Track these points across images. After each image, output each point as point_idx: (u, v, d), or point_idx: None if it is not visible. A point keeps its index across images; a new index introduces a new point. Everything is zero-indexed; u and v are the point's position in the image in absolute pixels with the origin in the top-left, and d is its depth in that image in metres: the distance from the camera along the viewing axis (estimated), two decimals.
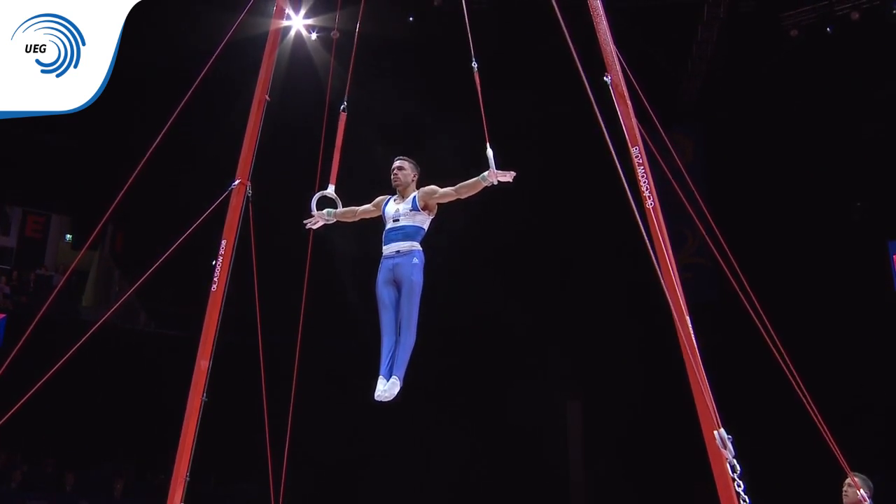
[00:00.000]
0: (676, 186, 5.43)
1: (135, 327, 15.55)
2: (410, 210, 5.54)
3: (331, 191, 6.17)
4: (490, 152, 5.13)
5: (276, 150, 8.18)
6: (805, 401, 5.03)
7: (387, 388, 5.30)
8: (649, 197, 4.93)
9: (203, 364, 6.00)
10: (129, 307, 15.04)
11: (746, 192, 15.07)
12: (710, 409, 4.47)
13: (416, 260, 5.46)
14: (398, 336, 5.40)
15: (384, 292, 5.48)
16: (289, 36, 12.21)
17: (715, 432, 4.42)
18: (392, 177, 5.68)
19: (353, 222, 6.08)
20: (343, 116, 6.52)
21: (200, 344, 6.05)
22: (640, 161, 5.00)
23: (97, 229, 6.88)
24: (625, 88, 5.17)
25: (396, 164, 5.73)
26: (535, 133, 15.38)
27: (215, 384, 6.03)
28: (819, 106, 14.53)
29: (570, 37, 5.32)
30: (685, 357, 4.63)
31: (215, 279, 6.15)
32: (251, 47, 7.53)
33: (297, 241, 6.95)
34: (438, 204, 5.58)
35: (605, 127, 4.97)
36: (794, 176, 14.73)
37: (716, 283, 14.12)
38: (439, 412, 14.95)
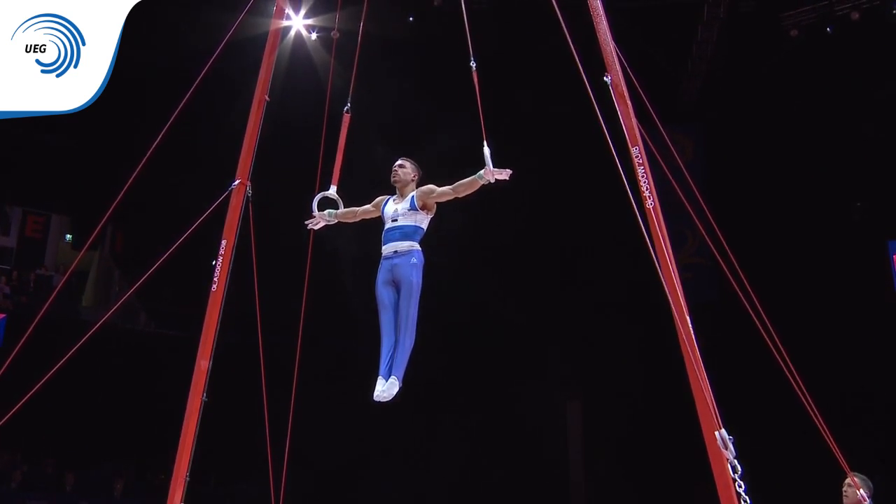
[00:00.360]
0: (676, 186, 5.43)
1: (135, 327, 15.56)
2: (409, 209, 5.53)
3: (332, 191, 6.16)
4: (486, 150, 5.12)
5: (276, 150, 8.18)
6: (805, 401, 5.03)
7: (385, 389, 5.30)
8: (649, 197, 4.93)
9: (203, 364, 6.00)
10: (129, 307, 15.04)
11: (746, 192, 15.07)
12: (711, 409, 4.47)
13: (414, 260, 5.45)
14: (397, 336, 5.38)
15: (383, 293, 5.48)
16: (289, 36, 12.21)
17: (716, 433, 4.42)
18: (392, 174, 5.67)
19: (354, 223, 6.08)
20: (346, 118, 6.52)
21: (200, 344, 6.05)
22: (641, 161, 5.00)
23: (97, 229, 6.88)
24: (625, 88, 5.17)
25: (398, 162, 5.73)
26: (535, 133, 15.37)
27: (215, 384, 6.03)
28: (819, 106, 14.53)
29: (570, 37, 5.32)
30: (685, 357, 4.63)
31: (215, 279, 6.15)
32: (251, 47, 7.54)
33: (298, 241, 6.95)
34: (437, 203, 5.57)
35: (606, 127, 4.97)
36: (794, 176, 14.73)
37: (716, 282, 14.12)
38: (439, 412, 14.96)
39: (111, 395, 13.79)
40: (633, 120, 5.08)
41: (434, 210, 5.60)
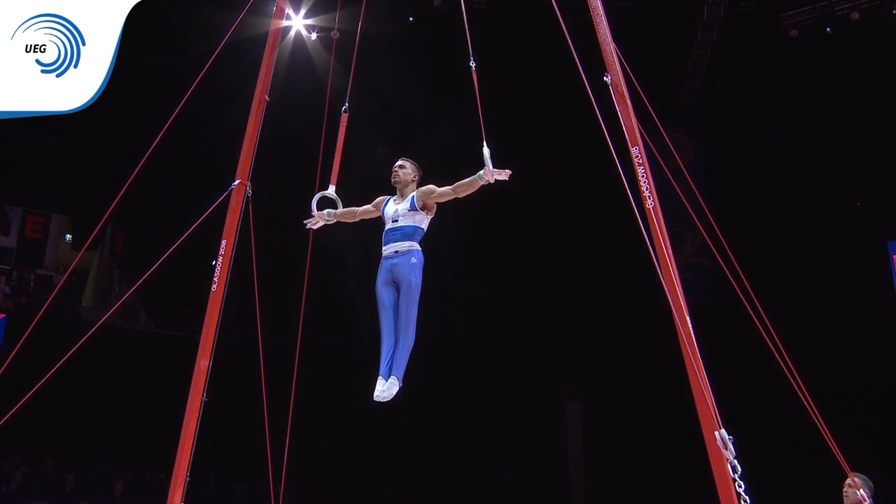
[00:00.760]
0: (676, 186, 5.42)
1: (135, 327, 15.55)
2: (409, 210, 5.53)
3: (331, 191, 6.16)
4: (486, 151, 5.11)
5: (276, 150, 8.19)
6: (805, 401, 5.02)
7: (385, 389, 5.29)
8: (649, 197, 4.92)
9: (203, 364, 5.99)
10: (129, 307, 15.05)
11: (746, 192, 15.07)
12: (711, 409, 4.47)
13: (414, 260, 5.45)
14: (397, 336, 5.38)
15: (383, 293, 5.48)
16: (289, 36, 12.22)
17: (716, 433, 4.41)
18: (392, 174, 5.67)
19: (354, 223, 6.07)
20: (345, 118, 6.51)
21: (200, 344, 6.05)
22: (640, 161, 4.99)
23: (97, 229, 6.88)
24: (625, 88, 5.16)
25: (398, 162, 5.73)
26: (534, 133, 15.38)
27: (215, 384, 6.03)
28: (819, 106, 14.53)
29: (569, 37, 5.31)
30: (685, 357, 4.63)
31: (215, 279, 6.15)
32: (251, 47, 7.54)
33: (297, 240, 6.95)
34: (437, 203, 5.57)
35: (605, 127, 4.97)
36: (793, 176, 14.73)
37: (716, 283, 14.13)
38: (439, 413, 14.95)
39: (111, 395, 13.78)
40: (633, 120, 5.07)
41: (434, 210, 5.59)
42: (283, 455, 6.82)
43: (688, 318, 4.67)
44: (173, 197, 13.37)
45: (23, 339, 5.80)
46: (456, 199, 5.44)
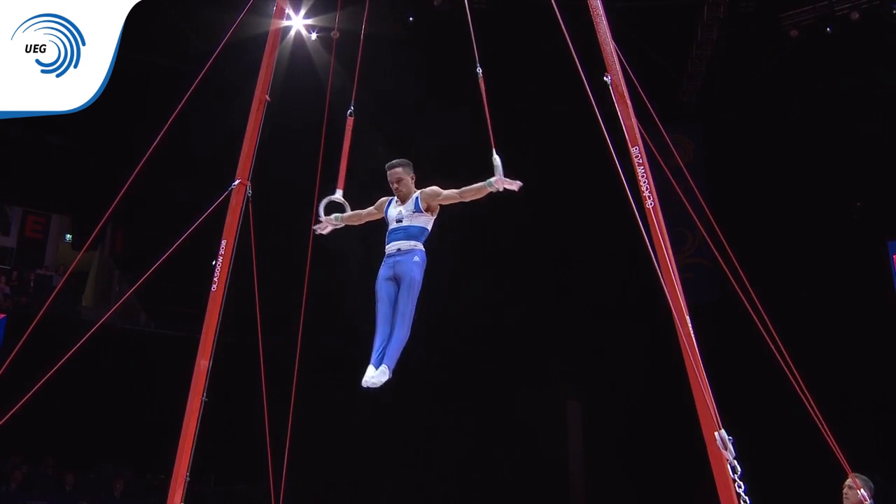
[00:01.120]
0: (676, 186, 5.42)
1: (135, 327, 15.55)
2: (413, 212, 5.51)
3: (338, 195, 6.13)
4: (497, 159, 5.08)
5: (277, 150, 8.19)
6: (806, 401, 5.02)
7: (375, 376, 5.30)
8: (649, 197, 4.92)
9: (203, 364, 5.99)
10: (129, 307, 15.04)
11: (746, 192, 15.07)
12: (711, 409, 4.47)
13: (416, 258, 5.44)
14: (392, 329, 5.39)
15: (383, 287, 5.47)
16: (289, 36, 12.22)
17: (715, 433, 4.41)
18: (393, 189, 5.61)
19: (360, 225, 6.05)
20: (350, 121, 6.51)
21: (200, 344, 6.05)
22: (640, 161, 4.99)
23: (97, 229, 6.88)
24: (625, 88, 5.16)
25: (393, 175, 5.60)
26: (535, 133, 15.38)
27: (215, 384, 6.03)
28: (819, 106, 14.53)
29: (569, 37, 5.31)
30: (685, 357, 4.63)
31: (215, 279, 6.15)
32: (251, 47, 7.53)
33: (297, 241, 6.94)
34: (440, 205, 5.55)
35: (605, 127, 4.96)
36: (794, 176, 14.74)
37: (716, 283, 14.13)
38: (439, 412, 14.95)
39: (111, 396, 13.79)
40: (633, 120, 5.07)
41: (437, 211, 5.57)
42: (283, 455, 6.82)
43: (688, 318, 4.67)
44: (173, 197, 13.37)
45: (23, 339, 5.80)
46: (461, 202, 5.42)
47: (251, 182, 6.45)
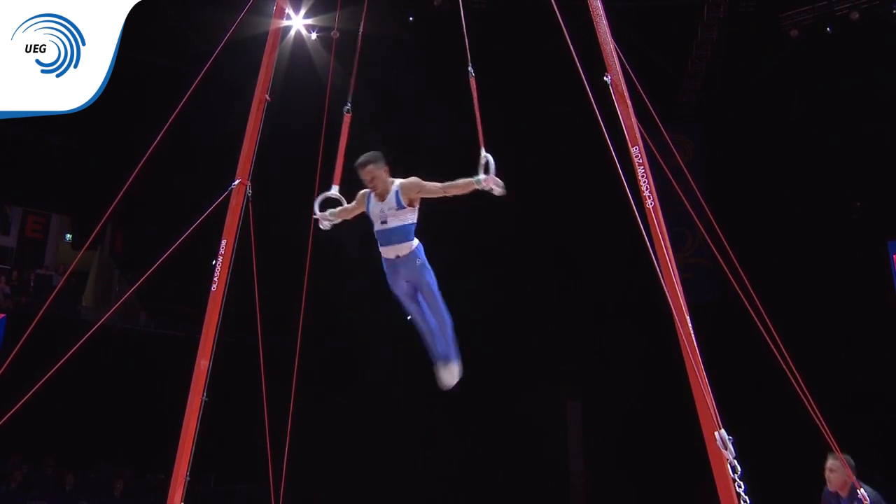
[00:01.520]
0: (676, 186, 5.42)
1: (135, 327, 15.55)
2: (396, 209, 5.37)
3: (334, 191, 6.09)
4: (489, 158, 5.04)
5: (276, 150, 8.18)
6: (805, 400, 5.03)
7: (450, 374, 5.49)
8: (649, 196, 4.92)
9: (203, 364, 5.98)
10: (129, 307, 15.05)
11: (746, 192, 15.08)
12: (711, 409, 4.47)
13: (419, 261, 5.39)
14: (431, 325, 5.46)
15: (399, 288, 5.46)
16: (289, 36, 12.22)
17: (715, 433, 4.41)
18: (369, 188, 5.47)
19: (354, 221, 6.03)
20: (347, 118, 6.48)
21: (200, 344, 6.04)
22: (640, 161, 4.99)
23: (97, 229, 6.87)
24: (625, 88, 5.16)
25: (365, 173, 5.43)
26: (535, 133, 15.38)
27: (215, 384, 6.03)
28: (819, 106, 14.54)
29: (569, 36, 5.31)
30: (685, 357, 4.62)
31: (215, 279, 6.14)
32: (251, 47, 7.53)
33: (297, 241, 6.94)
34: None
35: (606, 127, 4.96)
36: (794, 175, 14.74)
37: (715, 283, 14.14)
38: (439, 412, 14.95)
39: (111, 395, 13.79)
40: (633, 120, 5.07)
41: (417, 207, 5.43)
42: (283, 455, 6.82)
43: (688, 318, 4.67)
44: (173, 197, 13.36)
45: (23, 339, 5.80)
46: (454, 197, 5.37)
47: (251, 182, 6.44)
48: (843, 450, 5.67)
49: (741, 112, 15.72)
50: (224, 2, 10.57)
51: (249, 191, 6.41)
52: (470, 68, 5.45)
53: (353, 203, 5.73)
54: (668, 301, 4.71)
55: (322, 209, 5.97)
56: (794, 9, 13.97)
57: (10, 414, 5.70)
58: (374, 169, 5.41)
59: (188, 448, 5.82)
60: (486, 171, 5.03)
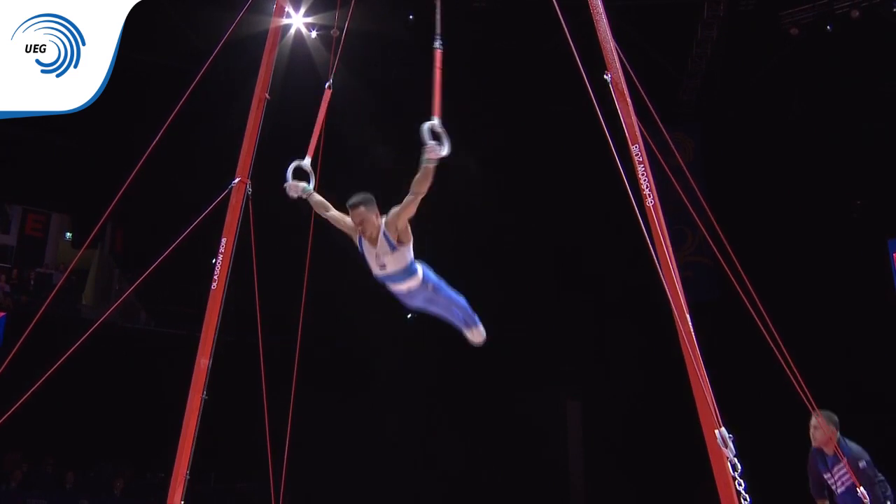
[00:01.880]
0: (677, 184, 5.42)
1: (135, 326, 15.57)
2: (391, 252, 5.26)
3: (307, 162, 5.99)
4: (424, 126, 4.98)
5: (276, 148, 8.18)
6: (806, 399, 5.03)
7: (478, 335, 5.98)
8: (649, 195, 4.92)
9: (203, 362, 5.98)
10: (129, 305, 15.06)
11: (746, 190, 15.07)
12: (711, 407, 4.47)
13: (430, 285, 5.45)
14: (455, 312, 5.76)
15: (418, 305, 5.59)
16: (289, 34, 12.22)
17: (716, 431, 4.42)
18: (360, 230, 5.33)
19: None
20: (328, 93, 6.49)
21: (200, 342, 6.04)
22: (640, 159, 4.99)
23: (97, 228, 6.87)
24: (625, 86, 5.16)
25: (355, 216, 5.29)
26: (535, 132, 15.37)
27: (215, 383, 6.03)
28: (819, 104, 14.53)
29: (569, 35, 5.31)
30: (685, 355, 4.63)
31: (215, 278, 6.14)
32: (251, 46, 7.53)
33: (298, 239, 6.94)
34: (410, 222, 5.26)
35: (606, 125, 4.96)
36: (794, 174, 14.73)
37: (716, 281, 14.13)
38: (439, 412, 14.96)
39: (111, 394, 13.80)
40: (634, 118, 5.07)
41: (410, 235, 5.29)
42: (283, 453, 6.82)
43: (688, 316, 4.67)
44: (173, 195, 13.36)
45: (23, 337, 5.79)
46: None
47: (251, 180, 6.44)
48: None
49: (741, 110, 15.72)
50: (224, 1, 10.56)
51: (249, 189, 6.41)
52: (437, 43, 5.48)
53: (341, 220, 5.55)
54: (668, 300, 4.70)
55: (294, 178, 5.89)
56: (794, 7, 13.96)
57: (10, 412, 5.71)
58: (364, 212, 5.26)
59: (188, 447, 5.82)
60: (437, 140, 4.97)
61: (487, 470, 15.37)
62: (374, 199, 5.34)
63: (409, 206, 5.12)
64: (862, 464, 5.78)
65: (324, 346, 13.50)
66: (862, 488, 5.59)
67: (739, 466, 4.36)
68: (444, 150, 4.92)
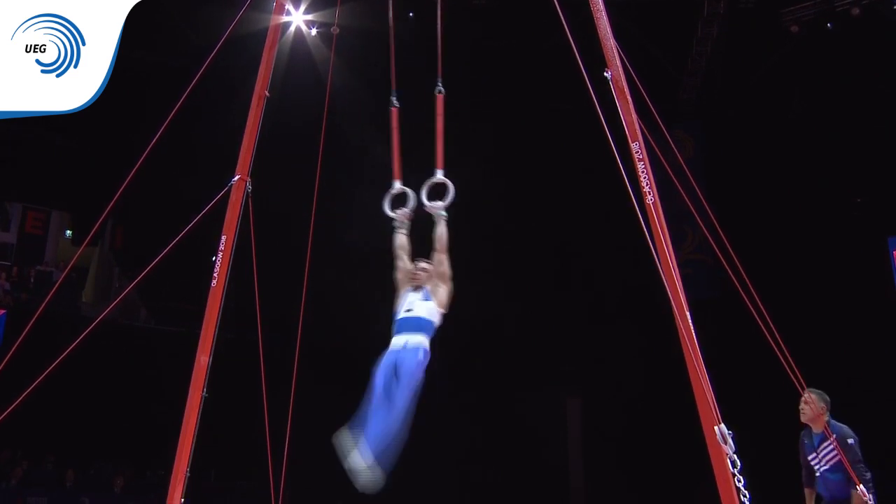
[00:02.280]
0: (676, 182, 5.42)
1: (135, 323, 15.58)
2: (423, 299, 5.58)
3: (397, 186, 6.06)
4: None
5: (276, 145, 8.18)
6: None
7: (354, 457, 5.37)
8: (649, 192, 4.92)
9: (203, 360, 5.99)
10: (128, 303, 15.06)
11: (746, 188, 15.05)
12: (711, 405, 4.47)
13: (420, 356, 5.43)
14: (389, 420, 5.37)
15: (381, 374, 5.39)
16: (289, 32, 12.22)
17: (715, 428, 4.42)
18: (416, 283, 5.70)
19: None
20: (395, 112, 6.54)
21: (200, 340, 6.05)
22: (641, 157, 4.99)
23: (97, 225, 6.87)
24: (625, 84, 5.15)
25: (419, 269, 5.73)
26: (535, 130, 15.36)
27: (215, 380, 6.03)
28: (819, 102, 14.52)
29: (570, 32, 5.31)
30: (685, 353, 4.63)
31: (215, 275, 6.14)
32: (251, 43, 7.53)
33: (298, 236, 6.95)
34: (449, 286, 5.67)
35: (606, 123, 4.96)
36: (794, 172, 14.71)
37: (715, 279, 14.12)
38: (439, 411, 14.94)
39: (111, 391, 13.80)
40: (634, 115, 5.07)
41: (446, 304, 5.64)
42: (283, 451, 6.83)
43: (688, 314, 4.67)
44: (173, 193, 13.36)
45: (23, 335, 5.80)
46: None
47: (251, 178, 6.45)
48: None
49: (741, 108, 15.70)
50: None
51: (249, 187, 6.41)
52: (439, 87, 5.51)
53: (406, 260, 5.85)
54: (668, 298, 4.71)
55: (393, 208, 5.95)
56: (794, 5, 13.94)
57: (9, 409, 5.71)
58: (432, 272, 5.70)
59: (188, 444, 5.83)
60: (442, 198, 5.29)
61: (487, 469, 15.37)
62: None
63: (439, 265, 5.63)
64: (850, 440, 5.80)
65: (324, 344, 13.49)
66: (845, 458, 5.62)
67: (739, 463, 4.36)
68: (450, 197, 5.25)
